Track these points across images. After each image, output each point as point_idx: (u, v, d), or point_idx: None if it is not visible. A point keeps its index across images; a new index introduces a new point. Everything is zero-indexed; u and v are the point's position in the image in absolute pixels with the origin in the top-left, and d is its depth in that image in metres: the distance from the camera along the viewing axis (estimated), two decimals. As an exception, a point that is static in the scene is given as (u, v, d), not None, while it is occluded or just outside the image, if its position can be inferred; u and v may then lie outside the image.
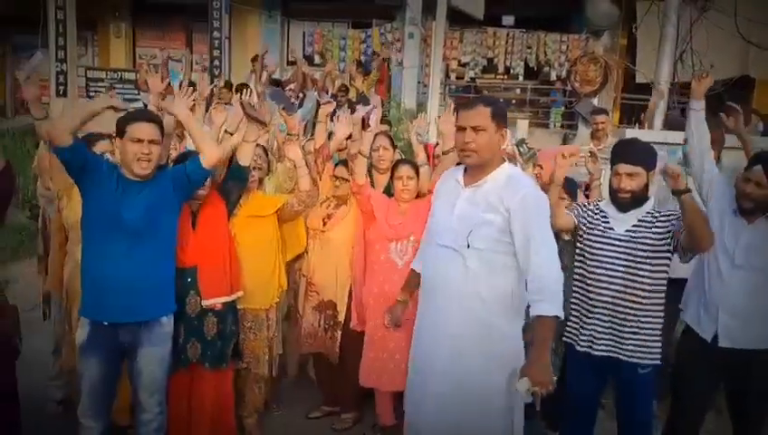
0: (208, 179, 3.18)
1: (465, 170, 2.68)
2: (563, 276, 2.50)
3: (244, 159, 3.37)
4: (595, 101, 8.94)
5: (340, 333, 3.82)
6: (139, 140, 2.79)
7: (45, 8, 10.88)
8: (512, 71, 11.20)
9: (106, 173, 2.84)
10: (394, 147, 4.13)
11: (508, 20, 11.13)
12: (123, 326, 2.84)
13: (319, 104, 7.77)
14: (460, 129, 2.57)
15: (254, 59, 9.39)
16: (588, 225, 3.05)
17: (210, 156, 2.93)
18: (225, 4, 10.81)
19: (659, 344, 2.94)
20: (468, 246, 2.52)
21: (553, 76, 10.98)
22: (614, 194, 2.96)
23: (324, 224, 3.86)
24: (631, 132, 5.38)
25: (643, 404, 2.99)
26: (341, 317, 3.82)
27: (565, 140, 9.38)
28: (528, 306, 2.53)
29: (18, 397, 2.93)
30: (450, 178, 2.77)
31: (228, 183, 3.40)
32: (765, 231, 3.06)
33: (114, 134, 2.95)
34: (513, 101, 11.59)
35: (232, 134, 3.60)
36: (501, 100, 2.76)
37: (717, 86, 8.13)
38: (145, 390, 2.93)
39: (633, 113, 10.08)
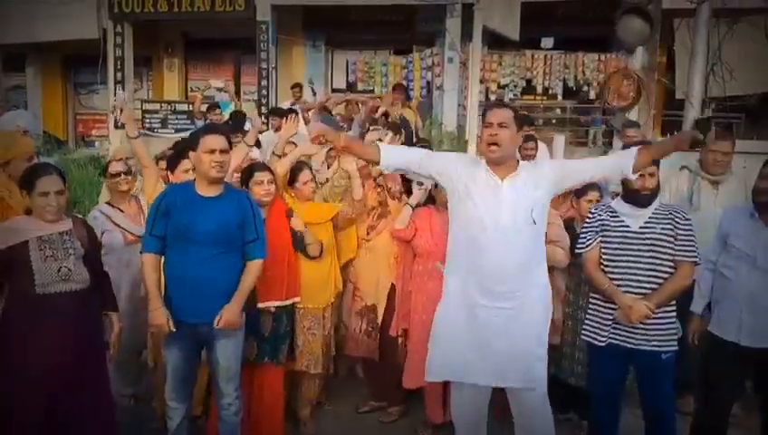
0: (272, 187, 3.61)
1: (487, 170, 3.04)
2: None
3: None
4: (635, 117, 9.00)
5: (378, 333, 4.09)
6: (212, 151, 3.11)
7: (105, 48, 11.59)
8: (550, 91, 11.35)
9: (173, 200, 3.18)
10: None
11: (547, 42, 11.30)
12: (201, 324, 3.16)
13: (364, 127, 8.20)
14: (487, 125, 2.93)
15: (294, 86, 9.91)
16: (607, 225, 3.25)
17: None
18: (273, 37, 11.31)
19: (675, 331, 3.13)
20: (534, 223, 2.94)
21: (592, 95, 11.10)
22: (635, 192, 3.16)
23: (368, 233, 4.15)
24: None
25: (666, 388, 3.19)
26: (380, 319, 4.09)
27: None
28: None
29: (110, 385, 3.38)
30: (475, 170, 3.08)
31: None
32: None
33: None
34: (554, 121, 11.72)
35: (280, 156, 3.97)
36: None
37: (754, 99, 8.20)
38: (222, 377, 3.25)
39: (674, 128, 10.11)
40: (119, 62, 11.64)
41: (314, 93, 10.48)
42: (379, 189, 4.17)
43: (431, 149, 4.66)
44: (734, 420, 3.62)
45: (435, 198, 4.02)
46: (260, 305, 3.56)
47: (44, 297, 3.00)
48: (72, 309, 3.07)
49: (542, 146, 5.66)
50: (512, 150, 3.06)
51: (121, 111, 3.73)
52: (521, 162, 3.13)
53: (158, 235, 3.18)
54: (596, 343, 3.26)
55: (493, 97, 11.87)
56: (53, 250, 3.05)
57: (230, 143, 3.28)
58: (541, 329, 3.06)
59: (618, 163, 3.03)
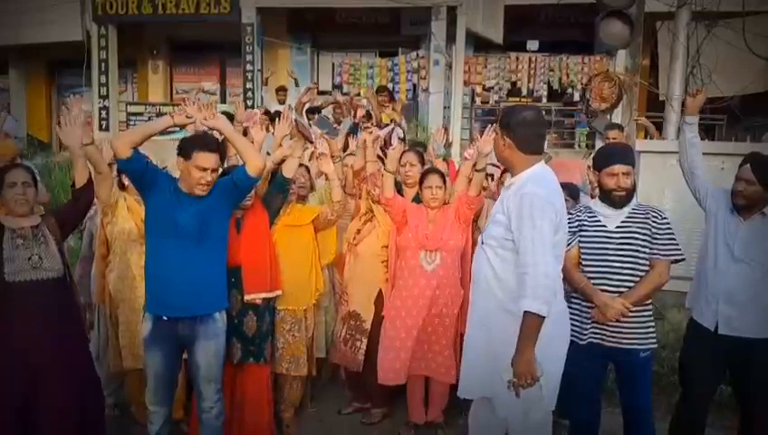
0: (252, 191, 3.49)
1: None
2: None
3: (289, 171, 3.75)
4: (618, 118, 9.08)
5: (365, 340, 4.05)
6: (204, 169, 3.06)
7: (89, 50, 11.55)
8: (535, 93, 11.43)
9: (164, 183, 3.16)
10: (422, 163, 4.35)
11: (532, 45, 11.38)
12: (181, 321, 3.14)
13: (353, 128, 8.23)
14: None
15: (279, 89, 9.92)
16: (585, 225, 3.28)
17: (255, 165, 3.16)
18: (258, 39, 11.31)
19: (654, 329, 3.19)
20: (483, 243, 2.84)
21: (576, 97, 11.19)
22: (610, 193, 3.18)
23: (354, 238, 4.15)
24: (641, 144, 5.58)
25: (645, 385, 3.23)
26: (368, 326, 4.06)
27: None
28: None
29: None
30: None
31: (272, 192, 3.75)
32: (760, 227, 3.27)
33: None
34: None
35: (269, 154, 3.97)
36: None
37: (735, 101, 8.28)
38: (203, 380, 3.22)
39: (657, 129, 10.22)
40: (103, 65, 11.61)
41: (297, 85, 10.40)
42: (367, 195, 4.15)
43: (423, 150, 4.69)
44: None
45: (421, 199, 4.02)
46: (247, 298, 3.54)
47: (14, 285, 3.06)
48: (42, 296, 3.11)
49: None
50: (501, 157, 2.91)
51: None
52: (529, 170, 2.78)
53: (141, 160, 3.09)
54: (577, 341, 3.28)
55: (478, 100, 11.96)
56: (24, 239, 3.12)
57: (222, 159, 3.28)
58: (488, 350, 2.83)
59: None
